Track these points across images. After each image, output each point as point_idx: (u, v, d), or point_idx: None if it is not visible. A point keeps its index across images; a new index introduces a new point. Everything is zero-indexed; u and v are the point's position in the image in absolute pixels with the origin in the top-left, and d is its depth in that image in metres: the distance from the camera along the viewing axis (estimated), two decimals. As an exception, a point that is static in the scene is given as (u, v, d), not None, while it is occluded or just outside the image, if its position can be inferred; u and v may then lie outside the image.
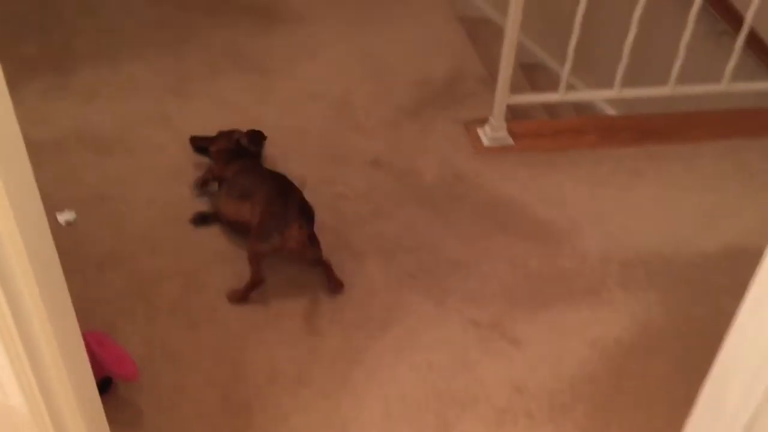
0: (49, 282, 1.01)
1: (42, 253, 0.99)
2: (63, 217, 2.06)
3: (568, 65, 2.37)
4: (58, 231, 2.02)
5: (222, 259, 1.98)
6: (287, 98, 2.64)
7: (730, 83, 2.45)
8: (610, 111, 3.14)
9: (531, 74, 3.34)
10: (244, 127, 2.25)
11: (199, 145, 2.25)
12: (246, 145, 2.18)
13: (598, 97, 2.71)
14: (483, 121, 2.54)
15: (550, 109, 2.90)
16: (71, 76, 2.65)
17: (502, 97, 2.37)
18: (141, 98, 2.59)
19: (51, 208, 2.09)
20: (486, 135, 2.48)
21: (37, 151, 2.33)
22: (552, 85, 3.55)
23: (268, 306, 1.88)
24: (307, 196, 2.01)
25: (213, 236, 2.05)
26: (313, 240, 1.88)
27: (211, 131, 2.32)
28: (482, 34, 3.53)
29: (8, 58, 2.71)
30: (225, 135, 2.23)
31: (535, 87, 3.30)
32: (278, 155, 2.34)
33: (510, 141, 2.46)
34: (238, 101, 2.61)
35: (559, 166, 2.39)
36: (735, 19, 2.90)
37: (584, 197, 2.28)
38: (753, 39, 2.58)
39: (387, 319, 1.87)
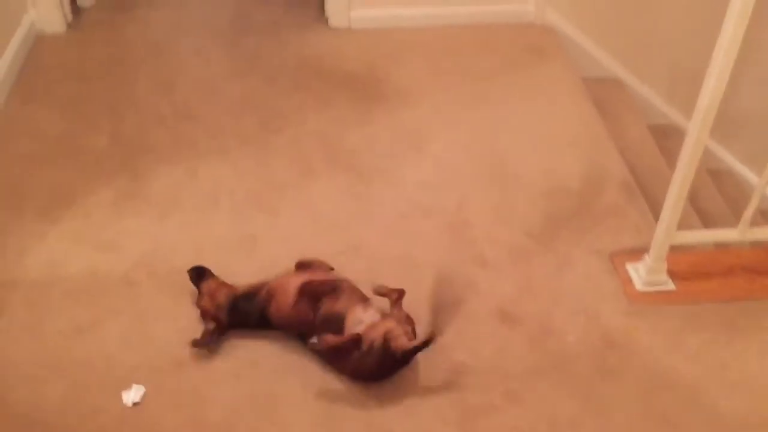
0: None
1: None
2: (129, 396, 1.70)
3: (756, 198, 1.86)
4: (122, 417, 1.67)
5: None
6: (392, 212, 2.22)
7: None
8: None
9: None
10: (343, 254, 1.94)
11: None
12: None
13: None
14: (632, 253, 2.06)
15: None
16: (145, 180, 2.31)
17: (666, 236, 1.89)
18: (222, 212, 2.21)
19: (116, 381, 1.74)
20: (639, 275, 2.00)
21: (105, 291, 1.99)
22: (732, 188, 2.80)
23: None
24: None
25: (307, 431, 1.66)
26: None
27: (301, 256, 1.95)
28: (613, 105, 3.02)
29: (78, 153, 2.42)
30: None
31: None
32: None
33: (670, 285, 1.98)
34: (334, 216, 2.21)
35: (736, 325, 1.89)
36: None
37: (776, 378, 1.78)
38: None
39: None
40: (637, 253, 2.04)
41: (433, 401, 1.71)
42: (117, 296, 1.95)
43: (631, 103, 3.07)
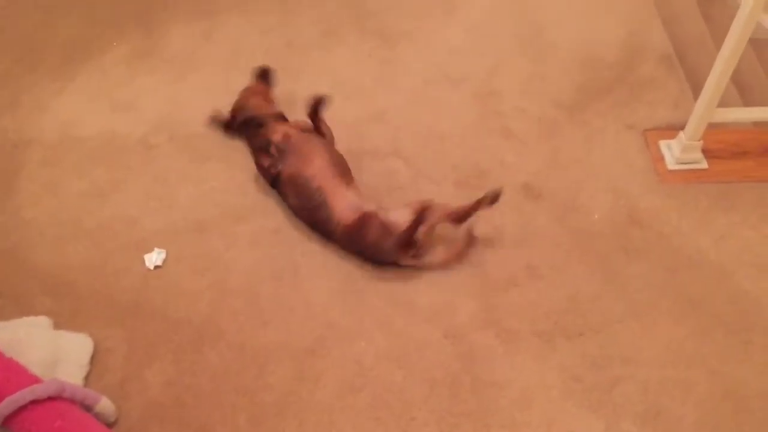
0: None
1: None
2: (152, 259, 1.71)
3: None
4: (145, 280, 1.69)
5: (338, 335, 1.61)
6: (418, 80, 2.13)
7: None
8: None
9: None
10: (365, 121, 1.84)
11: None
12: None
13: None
14: (667, 129, 1.98)
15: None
16: (160, 37, 2.21)
17: (705, 113, 1.80)
18: (241, 72, 2.12)
19: (138, 244, 1.75)
20: (672, 153, 1.93)
21: (124, 153, 1.96)
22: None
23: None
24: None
25: (327, 300, 1.67)
26: None
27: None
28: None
29: (91, 5, 2.31)
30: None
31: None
32: (405, 167, 1.89)
33: (703, 164, 1.91)
34: (357, 81, 2.12)
35: (768, 207, 1.84)
36: None
37: (804, 261, 1.75)
38: None
39: (544, 442, 1.49)
40: (672, 130, 1.97)
41: (455, 275, 1.71)
42: (137, 159, 1.92)
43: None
